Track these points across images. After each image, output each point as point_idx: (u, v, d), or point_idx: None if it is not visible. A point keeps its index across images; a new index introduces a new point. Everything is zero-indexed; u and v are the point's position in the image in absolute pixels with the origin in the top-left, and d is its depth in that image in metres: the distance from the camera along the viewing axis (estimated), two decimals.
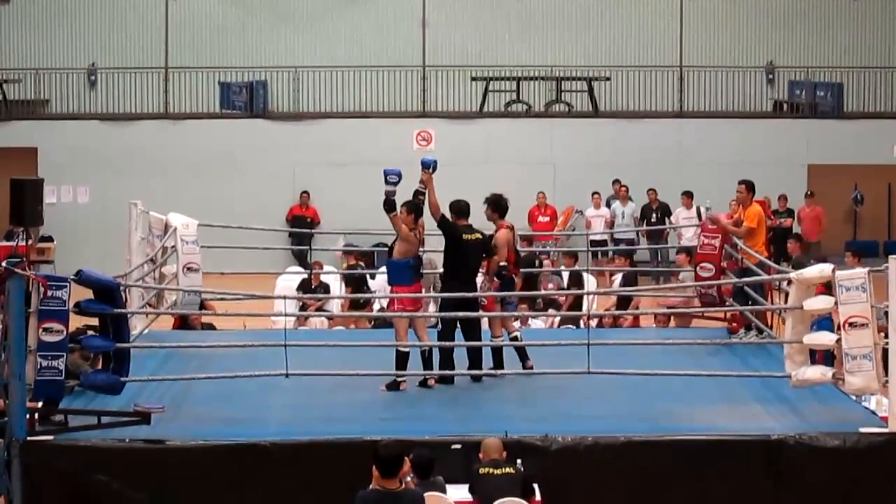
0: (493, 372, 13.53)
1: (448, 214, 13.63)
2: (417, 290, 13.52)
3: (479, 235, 13.67)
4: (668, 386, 13.02)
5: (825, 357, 13.37)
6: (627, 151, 28.56)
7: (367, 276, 20.04)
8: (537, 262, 20.29)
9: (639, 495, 11.64)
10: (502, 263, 13.67)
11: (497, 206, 13.99)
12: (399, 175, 13.31)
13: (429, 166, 13.57)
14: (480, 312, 13.62)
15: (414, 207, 13.45)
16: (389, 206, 13.35)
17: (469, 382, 13.58)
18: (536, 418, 12.31)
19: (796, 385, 12.38)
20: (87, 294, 12.22)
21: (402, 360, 13.37)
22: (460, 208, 13.70)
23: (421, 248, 13.65)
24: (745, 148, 28.24)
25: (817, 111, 29.36)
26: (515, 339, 13.91)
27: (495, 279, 13.67)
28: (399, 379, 13.32)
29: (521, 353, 13.84)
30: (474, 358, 13.54)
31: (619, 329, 18.08)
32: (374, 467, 9.30)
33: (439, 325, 13.83)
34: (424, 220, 13.64)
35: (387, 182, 13.30)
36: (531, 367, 13.64)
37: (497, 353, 13.71)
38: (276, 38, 30.55)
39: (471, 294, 13.48)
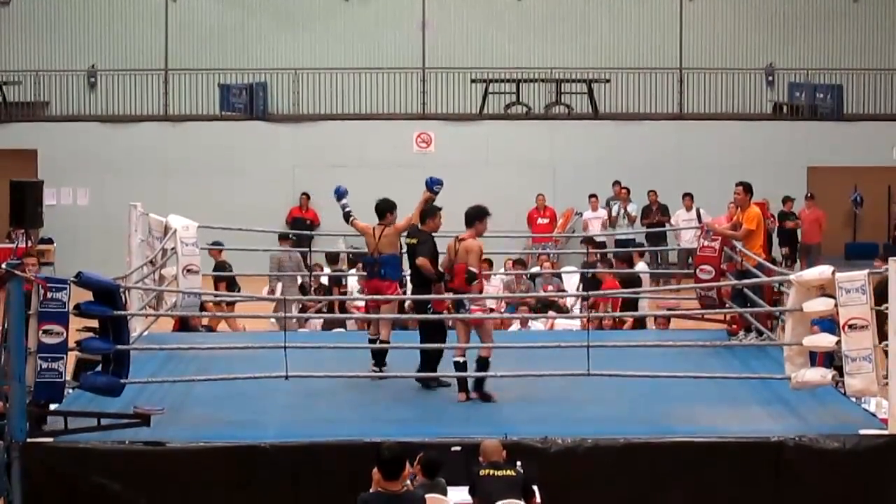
0: (492, 374, 13.51)
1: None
2: (369, 287, 13.94)
3: (412, 241, 13.77)
4: (667, 388, 13.00)
5: (825, 359, 13.38)
6: (627, 153, 28.55)
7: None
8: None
9: (639, 497, 11.65)
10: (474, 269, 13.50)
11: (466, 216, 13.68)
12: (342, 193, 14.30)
13: (435, 190, 13.88)
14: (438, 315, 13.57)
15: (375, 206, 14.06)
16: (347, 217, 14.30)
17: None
18: (536, 420, 12.31)
19: (796, 387, 12.38)
20: (87, 296, 12.22)
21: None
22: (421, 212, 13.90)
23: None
24: (744, 150, 28.25)
25: (817, 113, 29.37)
26: None
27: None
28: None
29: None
30: (429, 360, 13.63)
31: (620, 331, 18.09)
32: (376, 470, 9.31)
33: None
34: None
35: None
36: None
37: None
38: (275, 39, 30.55)
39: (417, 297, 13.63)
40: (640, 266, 21.01)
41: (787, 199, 27.00)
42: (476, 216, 13.38)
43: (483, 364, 13.08)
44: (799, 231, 27.13)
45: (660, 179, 27.74)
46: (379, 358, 13.84)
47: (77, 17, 30.44)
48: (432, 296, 13.47)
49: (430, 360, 13.57)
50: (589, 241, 21.61)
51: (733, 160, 27.28)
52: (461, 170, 26.88)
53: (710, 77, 29.71)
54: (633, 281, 18.66)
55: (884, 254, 20.16)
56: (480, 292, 13.45)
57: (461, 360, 13.17)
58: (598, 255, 21.49)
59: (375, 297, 13.77)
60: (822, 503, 11.67)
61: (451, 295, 13.21)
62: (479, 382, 13.11)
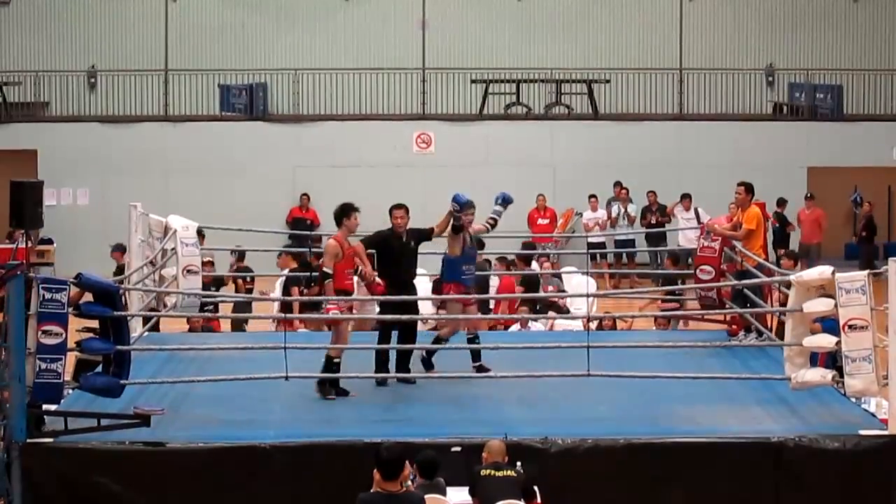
0: (492, 374, 13.51)
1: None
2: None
3: None
4: (668, 388, 13.00)
5: (828, 359, 13.37)
6: (627, 154, 28.55)
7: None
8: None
9: (639, 497, 11.65)
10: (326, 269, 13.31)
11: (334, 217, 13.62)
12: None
13: (454, 207, 13.93)
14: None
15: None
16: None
17: (468, 383, 13.57)
18: (536, 421, 12.31)
19: (796, 387, 12.38)
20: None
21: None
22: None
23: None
24: (744, 150, 28.24)
25: (817, 113, 29.37)
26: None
27: None
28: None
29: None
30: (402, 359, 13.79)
31: (620, 332, 18.09)
32: (375, 470, 9.31)
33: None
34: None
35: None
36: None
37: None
38: (275, 40, 30.56)
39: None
40: (536, 266, 21.24)
41: (781, 202, 26.96)
42: (341, 215, 13.33)
43: (328, 363, 13.10)
44: (798, 231, 27.14)
45: (659, 180, 27.73)
46: (475, 356, 13.85)
47: (77, 17, 30.44)
48: (413, 297, 13.61)
49: (381, 360, 13.68)
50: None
51: (733, 160, 27.26)
52: (461, 170, 26.89)
53: (710, 77, 29.71)
54: (532, 280, 19.01)
55: (884, 254, 20.13)
56: (335, 291, 13.28)
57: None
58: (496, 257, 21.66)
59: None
60: (821, 503, 11.67)
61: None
62: (333, 381, 13.14)
